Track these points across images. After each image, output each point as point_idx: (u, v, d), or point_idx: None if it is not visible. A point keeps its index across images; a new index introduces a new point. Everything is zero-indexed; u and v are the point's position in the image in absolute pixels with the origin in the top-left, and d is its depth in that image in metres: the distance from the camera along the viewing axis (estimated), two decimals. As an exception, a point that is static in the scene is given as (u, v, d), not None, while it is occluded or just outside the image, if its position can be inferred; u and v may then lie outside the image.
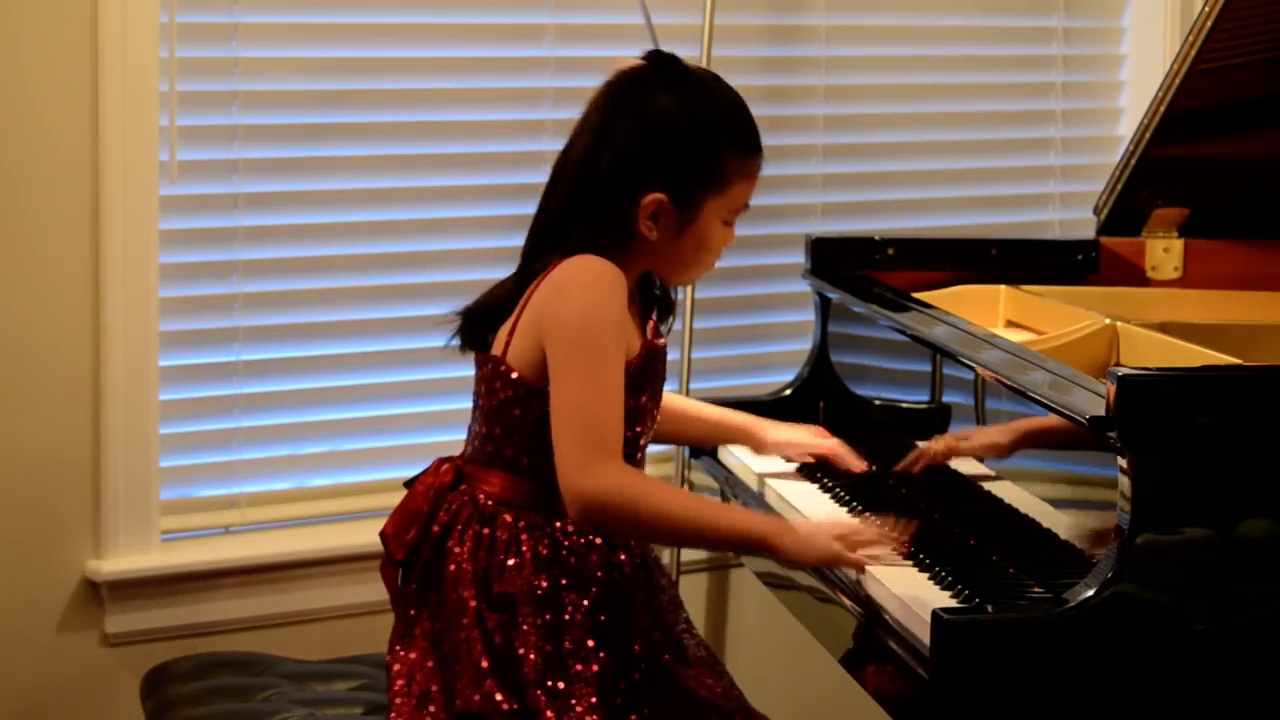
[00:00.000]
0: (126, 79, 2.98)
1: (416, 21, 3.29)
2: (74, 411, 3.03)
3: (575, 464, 2.26)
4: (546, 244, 2.38)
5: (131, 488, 3.06)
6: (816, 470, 2.77)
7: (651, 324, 2.48)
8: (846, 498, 2.67)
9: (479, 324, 2.42)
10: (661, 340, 2.47)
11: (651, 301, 2.49)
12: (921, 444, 2.72)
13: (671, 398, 2.79)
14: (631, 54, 3.44)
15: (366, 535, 2.68)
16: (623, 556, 2.38)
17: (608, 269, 2.33)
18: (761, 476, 2.79)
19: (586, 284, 2.31)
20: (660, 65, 2.40)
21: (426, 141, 3.31)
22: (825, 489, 2.71)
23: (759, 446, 2.80)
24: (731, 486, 2.87)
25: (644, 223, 2.36)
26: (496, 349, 2.38)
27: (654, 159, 2.35)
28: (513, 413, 2.36)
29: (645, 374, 2.40)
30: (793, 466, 2.80)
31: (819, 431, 2.81)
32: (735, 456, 2.86)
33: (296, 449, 3.28)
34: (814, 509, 2.64)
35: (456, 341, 2.44)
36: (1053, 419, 2.31)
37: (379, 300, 3.28)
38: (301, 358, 3.25)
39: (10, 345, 2.98)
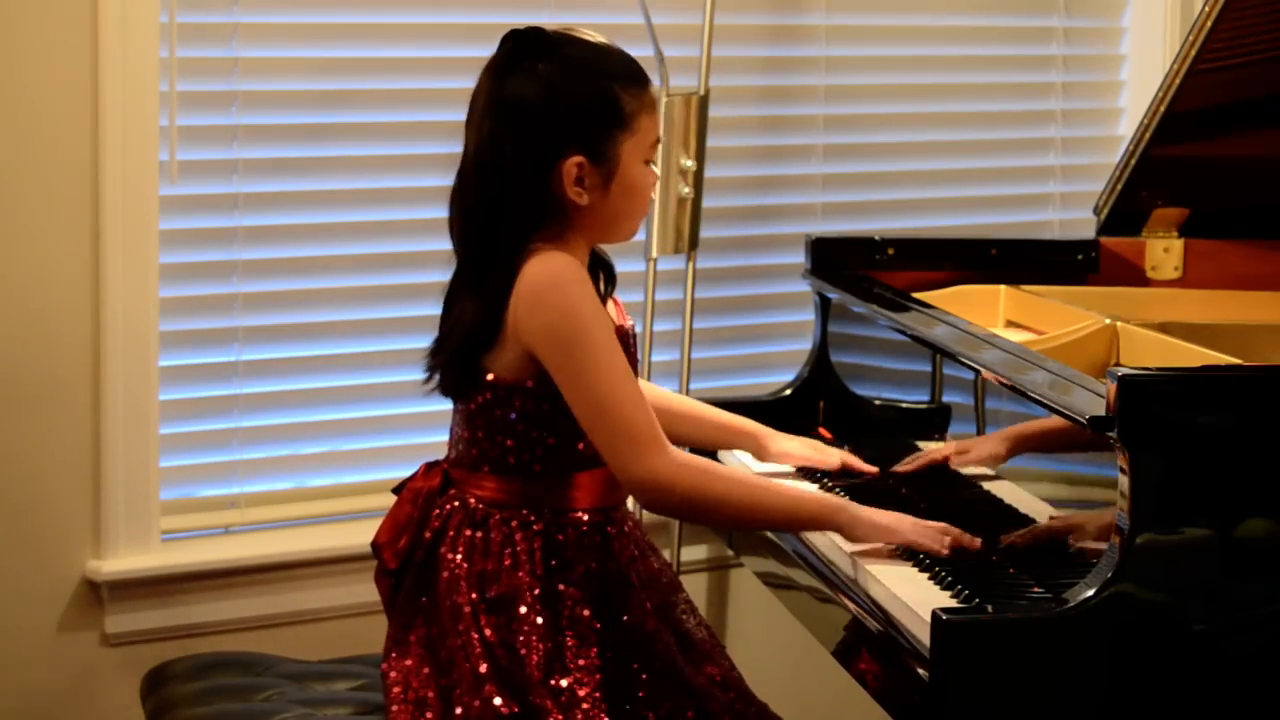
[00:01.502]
0: (126, 79, 2.98)
1: (416, 21, 3.29)
2: (74, 411, 3.03)
3: (632, 461, 2.30)
4: (488, 254, 2.35)
5: (131, 488, 3.06)
6: (817, 470, 2.76)
7: (620, 311, 2.47)
8: (847, 499, 2.67)
9: (465, 364, 2.37)
10: (629, 321, 2.47)
11: (595, 272, 2.47)
12: (925, 447, 2.72)
13: (678, 399, 2.81)
14: (632, 54, 3.46)
15: (366, 535, 2.68)
16: (617, 550, 2.38)
17: (565, 263, 2.32)
18: (762, 476, 2.78)
19: (554, 287, 2.30)
20: (522, 41, 2.37)
21: (426, 141, 3.31)
22: (825, 490, 2.71)
23: (762, 454, 2.79)
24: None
25: (571, 190, 2.34)
26: None
27: (555, 125, 2.34)
28: (493, 414, 2.36)
29: (627, 348, 2.40)
30: (792, 467, 2.79)
31: (819, 446, 2.79)
32: (736, 458, 2.86)
33: (296, 449, 3.28)
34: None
35: (435, 385, 2.42)
36: (1054, 421, 2.31)
37: (379, 300, 3.29)
38: (301, 358, 3.25)
39: (10, 345, 2.98)
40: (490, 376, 2.35)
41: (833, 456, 2.76)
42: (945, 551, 2.36)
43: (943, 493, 2.63)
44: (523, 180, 2.34)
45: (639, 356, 3.32)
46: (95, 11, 2.96)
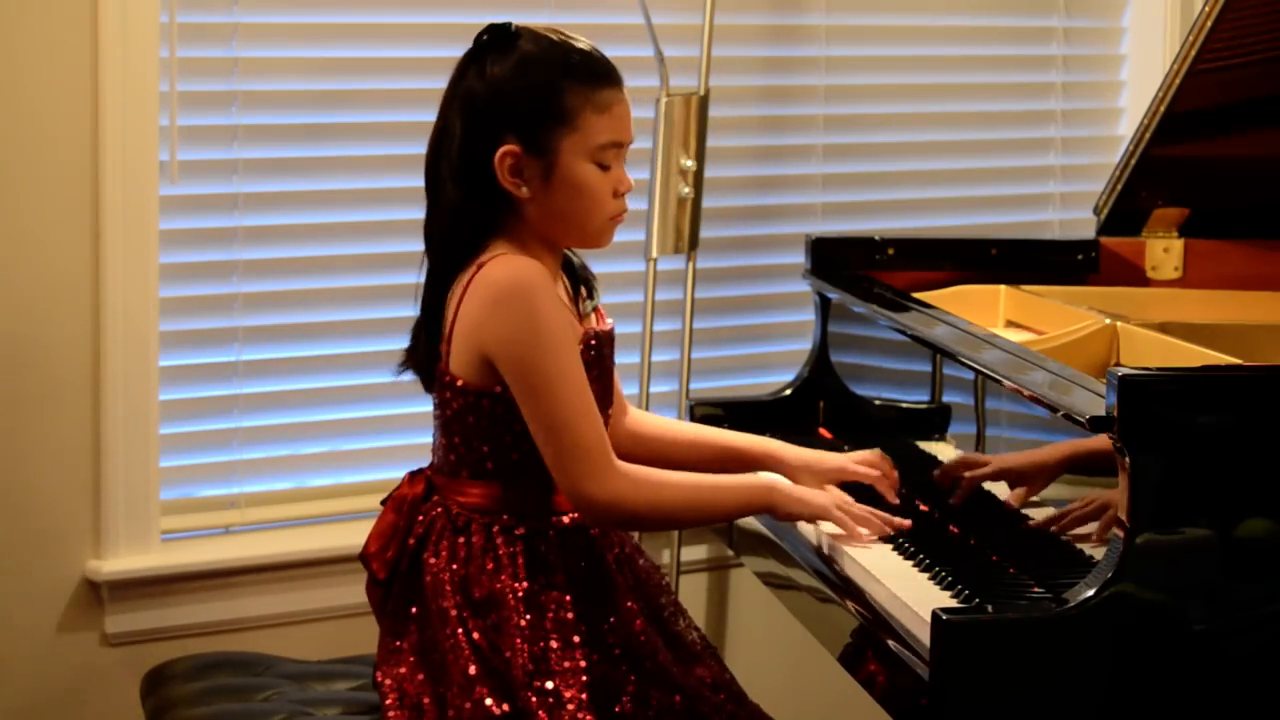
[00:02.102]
0: (126, 79, 2.98)
1: (416, 21, 3.29)
2: (74, 412, 3.03)
3: (579, 480, 2.29)
4: (444, 245, 2.40)
5: (131, 488, 3.06)
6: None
7: (599, 314, 2.47)
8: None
9: (425, 355, 2.41)
10: (607, 326, 2.46)
11: (575, 280, 2.47)
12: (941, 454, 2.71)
13: (678, 427, 2.73)
14: (632, 54, 3.46)
15: (365, 535, 2.68)
16: (602, 551, 2.38)
17: (524, 266, 2.32)
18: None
19: (515, 294, 2.30)
20: (491, 36, 2.38)
21: (426, 141, 3.30)
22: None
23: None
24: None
25: (507, 180, 2.34)
26: (440, 360, 2.38)
27: (492, 113, 2.35)
28: (467, 420, 2.36)
29: (592, 360, 2.39)
30: None
31: (842, 468, 2.61)
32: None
33: (296, 449, 3.28)
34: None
35: (411, 376, 2.45)
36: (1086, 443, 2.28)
37: (379, 300, 3.28)
38: (301, 358, 3.25)
39: (10, 346, 2.98)
40: (460, 382, 2.35)
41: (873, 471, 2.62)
42: (862, 536, 2.45)
43: (943, 493, 2.62)
44: (465, 169, 2.36)
45: (640, 357, 3.34)
46: (95, 11, 2.96)
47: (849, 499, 2.49)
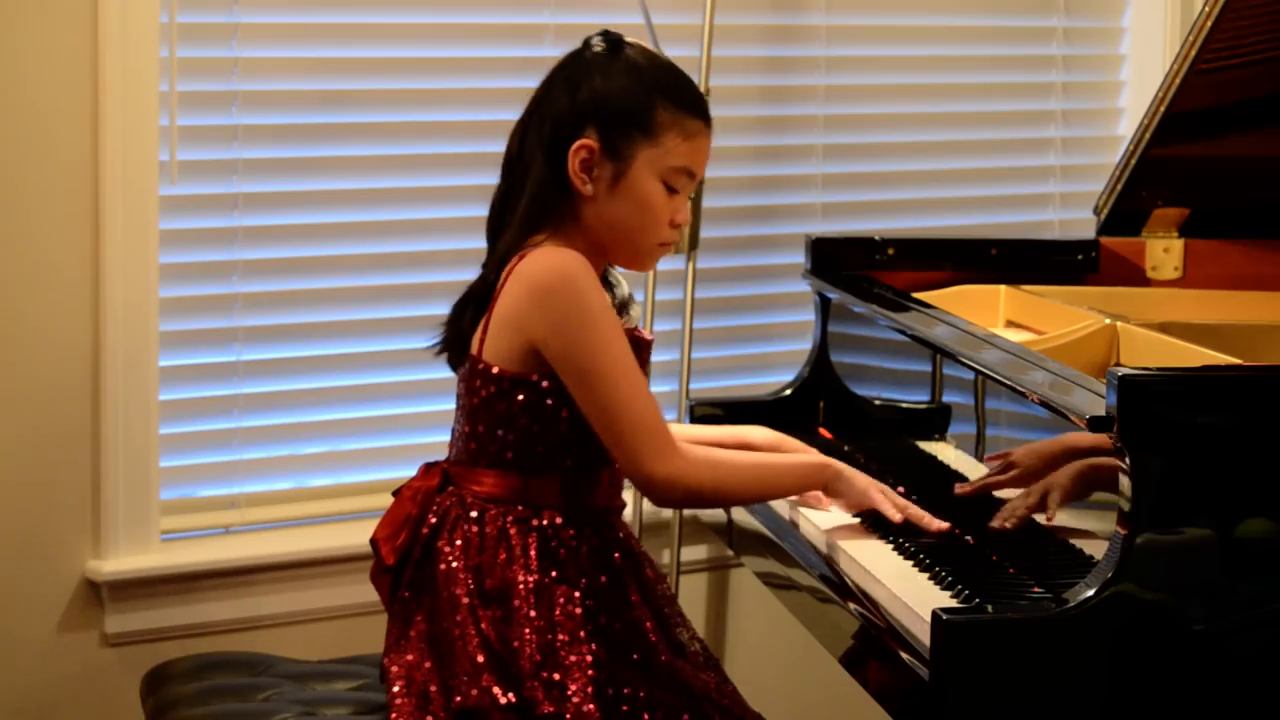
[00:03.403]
0: (126, 79, 2.98)
1: (416, 21, 3.29)
2: (74, 411, 3.03)
3: (646, 461, 2.32)
4: (501, 228, 2.42)
5: (131, 488, 3.06)
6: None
7: (638, 331, 2.48)
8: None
9: (462, 334, 2.42)
10: (649, 337, 2.48)
11: (613, 297, 2.48)
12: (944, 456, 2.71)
13: (687, 431, 2.71)
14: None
15: (366, 535, 2.68)
16: (614, 550, 2.39)
17: (566, 256, 2.33)
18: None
19: (564, 283, 2.31)
20: (603, 37, 2.41)
21: (426, 141, 3.31)
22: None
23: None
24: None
25: (576, 173, 2.36)
26: (473, 348, 2.38)
27: (584, 109, 2.37)
28: (497, 407, 2.36)
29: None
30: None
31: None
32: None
33: (296, 449, 3.28)
34: (823, 517, 2.63)
35: (439, 352, 2.45)
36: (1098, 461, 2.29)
37: (379, 300, 3.28)
38: (301, 358, 3.25)
39: (10, 345, 2.98)
40: (495, 369, 2.35)
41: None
42: (897, 518, 2.50)
43: (943, 492, 2.63)
44: (543, 161, 2.38)
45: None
46: (95, 11, 2.96)
47: (886, 488, 2.57)
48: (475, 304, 2.40)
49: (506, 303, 2.35)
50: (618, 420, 2.31)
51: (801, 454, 2.61)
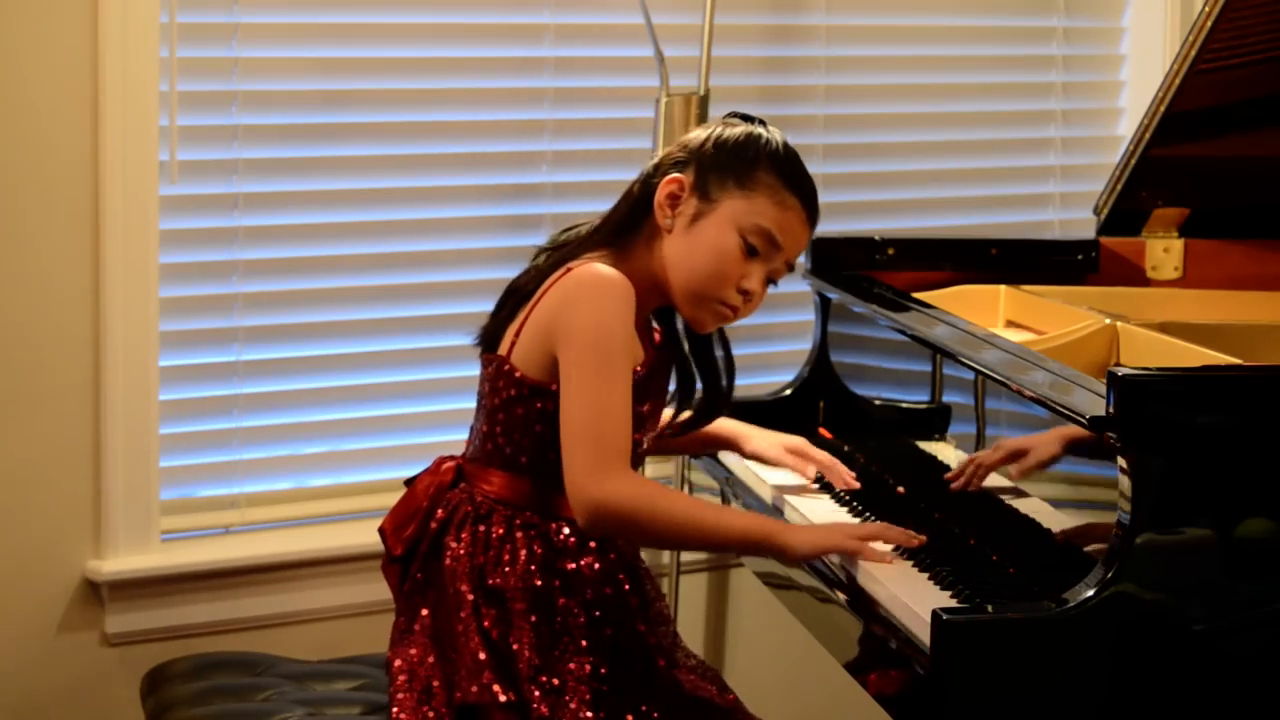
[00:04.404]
0: (126, 79, 2.98)
1: (416, 21, 3.29)
2: (74, 412, 3.03)
3: (585, 472, 2.27)
4: (590, 232, 2.43)
5: (131, 488, 3.06)
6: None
7: (658, 334, 2.48)
8: (846, 496, 2.67)
9: (499, 320, 2.43)
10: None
11: (674, 340, 2.52)
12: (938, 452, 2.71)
13: None
14: (632, 54, 3.46)
15: (366, 535, 2.69)
16: (615, 562, 2.39)
17: (615, 279, 2.34)
18: (770, 484, 2.78)
19: (595, 295, 2.32)
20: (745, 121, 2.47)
21: (426, 141, 3.31)
22: (826, 488, 2.71)
23: (744, 445, 2.76)
24: (732, 486, 2.87)
25: (661, 203, 2.38)
26: (503, 348, 2.39)
27: (694, 151, 2.41)
28: (515, 411, 2.36)
29: (649, 384, 2.43)
30: (810, 479, 2.77)
31: (800, 449, 2.72)
32: (735, 456, 2.86)
33: (296, 449, 3.28)
34: (814, 509, 2.63)
35: (473, 339, 2.46)
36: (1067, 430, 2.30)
37: (378, 300, 3.29)
38: (301, 358, 3.25)
39: (10, 346, 2.98)
40: (519, 373, 2.35)
41: (809, 467, 2.70)
42: (887, 559, 2.33)
43: (943, 492, 2.63)
44: (638, 180, 2.42)
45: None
46: (95, 11, 2.96)
47: (853, 522, 2.48)
48: (516, 297, 2.41)
49: (543, 311, 2.35)
50: (583, 425, 2.28)
51: (751, 520, 2.42)
